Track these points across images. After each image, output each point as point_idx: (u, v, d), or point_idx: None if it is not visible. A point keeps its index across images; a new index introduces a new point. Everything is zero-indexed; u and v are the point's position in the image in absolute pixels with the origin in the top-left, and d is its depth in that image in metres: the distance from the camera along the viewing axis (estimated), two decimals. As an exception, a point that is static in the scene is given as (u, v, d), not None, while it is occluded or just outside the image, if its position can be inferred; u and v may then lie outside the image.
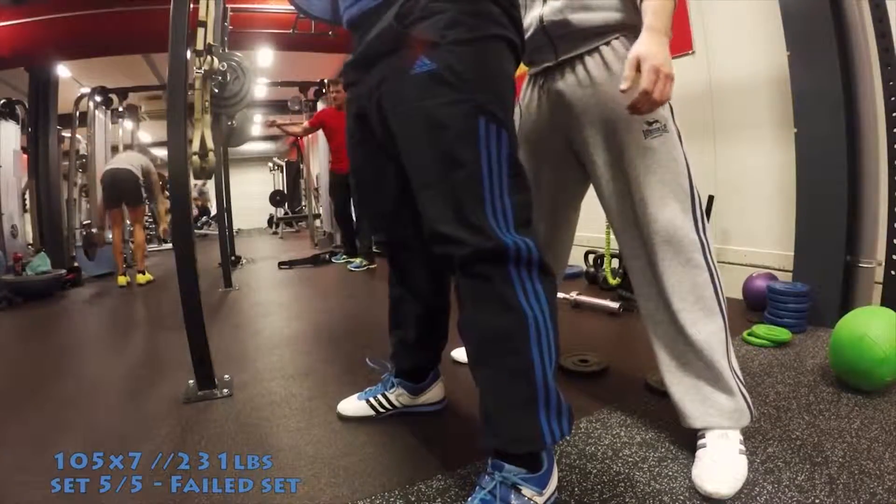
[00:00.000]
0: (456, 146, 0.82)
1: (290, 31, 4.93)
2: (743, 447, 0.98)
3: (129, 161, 4.04)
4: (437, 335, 1.24)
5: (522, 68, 1.24)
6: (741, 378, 1.02)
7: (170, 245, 6.49)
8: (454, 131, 0.82)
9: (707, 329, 0.99)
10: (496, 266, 0.83)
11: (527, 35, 1.10)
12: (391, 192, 1.05)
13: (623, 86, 0.88)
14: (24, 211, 4.76)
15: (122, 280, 3.94)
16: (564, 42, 1.04)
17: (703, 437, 1.00)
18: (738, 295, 2.11)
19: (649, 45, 0.87)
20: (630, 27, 1.00)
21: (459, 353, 1.63)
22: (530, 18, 1.08)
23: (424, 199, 0.87)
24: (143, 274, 4.05)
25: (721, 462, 0.93)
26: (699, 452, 0.98)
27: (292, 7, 1.21)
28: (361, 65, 0.95)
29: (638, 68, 0.87)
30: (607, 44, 1.00)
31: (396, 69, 0.86)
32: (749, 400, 1.00)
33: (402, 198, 1.02)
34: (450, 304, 1.19)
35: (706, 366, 0.99)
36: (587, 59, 1.02)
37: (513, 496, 0.82)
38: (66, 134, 5.40)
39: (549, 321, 0.86)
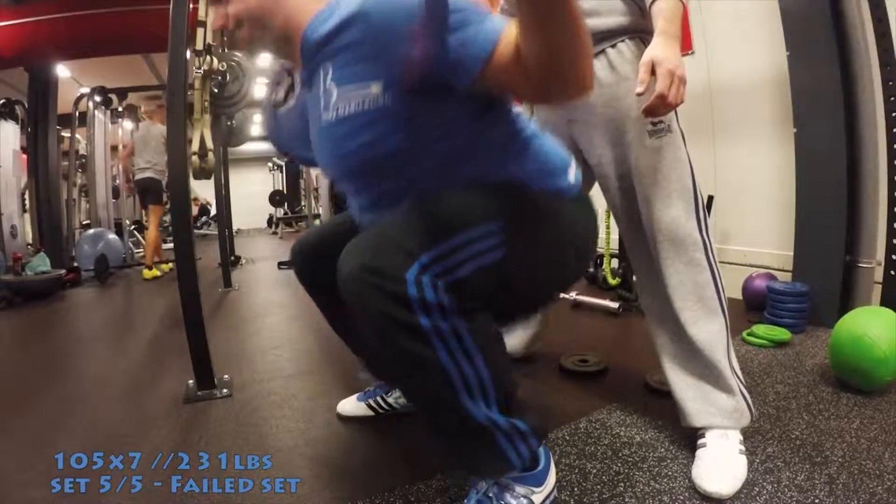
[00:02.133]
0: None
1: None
2: (743, 447, 0.98)
3: (157, 155, 4.21)
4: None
5: None
6: (741, 378, 1.03)
7: (170, 244, 6.48)
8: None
9: (708, 328, 1.00)
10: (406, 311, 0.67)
11: None
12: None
13: (639, 89, 0.88)
14: (24, 211, 4.76)
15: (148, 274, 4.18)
16: None
17: (703, 436, 1.00)
18: (738, 295, 2.11)
19: (663, 49, 0.88)
20: (635, 30, 1.01)
21: None
22: None
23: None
24: (150, 269, 4.19)
25: (721, 462, 0.94)
26: (699, 452, 0.98)
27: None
28: None
29: (652, 72, 0.87)
30: (613, 46, 1.02)
31: None
32: (749, 400, 1.01)
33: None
34: None
35: (706, 365, 1.00)
36: (594, 61, 1.03)
37: (509, 495, 0.82)
38: (66, 134, 5.40)
39: (480, 364, 0.72)
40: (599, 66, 1.02)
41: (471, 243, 0.69)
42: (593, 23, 1.01)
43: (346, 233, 0.89)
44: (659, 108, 0.89)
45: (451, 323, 0.69)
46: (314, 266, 1.06)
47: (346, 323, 1.12)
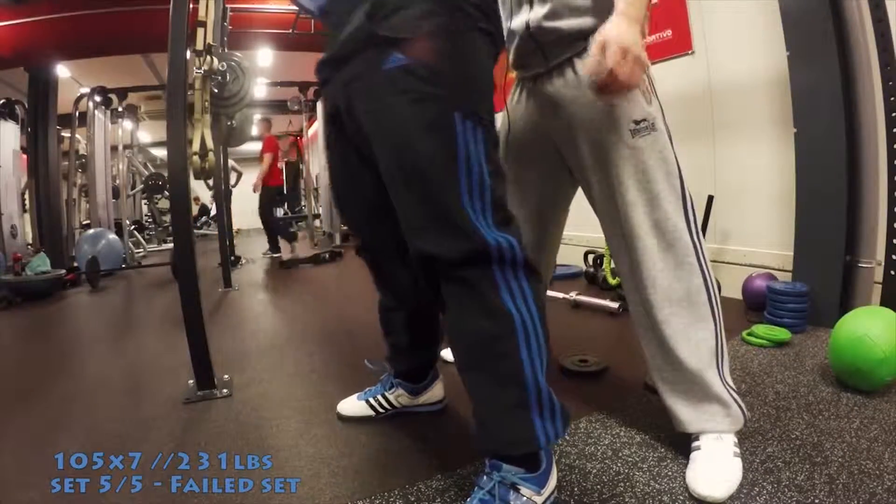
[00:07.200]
0: (432, 144, 0.80)
1: (290, 31, 4.93)
2: (737, 449, 0.97)
3: None
4: (430, 336, 1.23)
5: (512, 73, 1.24)
6: (733, 386, 1.00)
7: (170, 244, 6.48)
8: (430, 128, 0.79)
9: (697, 336, 0.97)
10: (480, 268, 0.81)
11: (515, 41, 1.09)
12: (366, 194, 1.02)
13: (587, 69, 0.86)
14: (24, 211, 4.76)
15: None
16: (553, 47, 1.02)
17: (697, 438, 0.99)
18: (738, 295, 2.11)
19: (618, 27, 0.85)
20: None
21: (449, 353, 1.61)
22: (517, 24, 1.06)
23: (400, 200, 0.85)
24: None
25: (715, 465, 0.93)
26: (693, 455, 0.97)
27: (293, 6, 1.19)
28: (334, 63, 0.92)
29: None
30: None
31: (368, 66, 0.83)
32: (742, 405, 0.99)
33: (378, 201, 0.98)
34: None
35: (694, 380, 0.98)
36: (575, 60, 1.00)
37: (512, 496, 0.82)
38: (66, 134, 5.41)
39: (538, 321, 0.83)
40: (581, 66, 0.99)
41: (467, 150, 0.81)
42: (573, 22, 0.98)
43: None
44: (610, 86, 0.86)
45: (518, 281, 0.82)
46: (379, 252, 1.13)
47: (398, 297, 1.18)
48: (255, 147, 5.56)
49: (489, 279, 0.81)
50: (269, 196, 5.50)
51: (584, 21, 0.98)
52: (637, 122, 0.96)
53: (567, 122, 1.04)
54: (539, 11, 1.01)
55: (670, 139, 0.99)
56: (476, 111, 0.82)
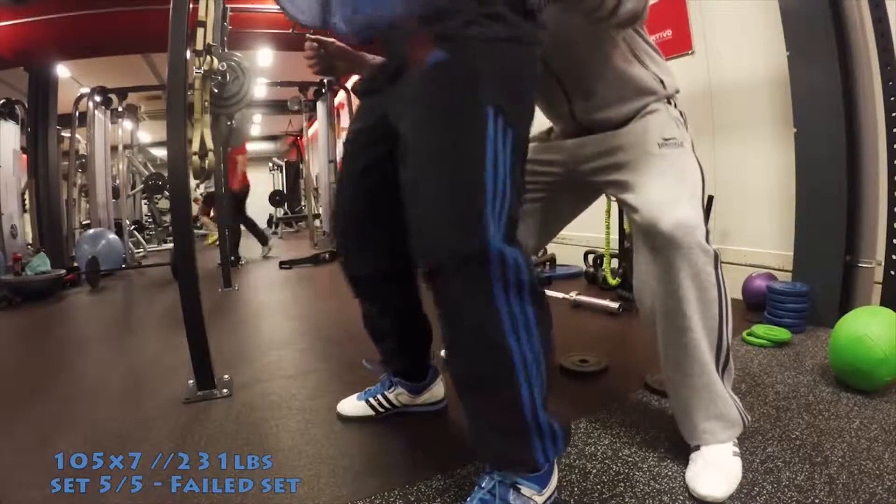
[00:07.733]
0: (462, 138, 0.78)
1: (290, 31, 4.93)
2: (737, 449, 0.97)
3: None
4: (419, 337, 1.23)
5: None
6: (735, 398, 1.00)
7: (170, 244, 6.49)
8: (461, 122, 0.78)
9: (704, 348, 0.95)
10: (479, 282, 0.76)
11: (558, 124, 1.17)
12: (379, 200, 1.02)
13: None
14: (24, 211, 4.75)
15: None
16: (600, 129, 1.08)
17: None
18: (738, 295, 2.11)
19: None
20: (660, 97, 1.05)
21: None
22: (557, 112, 1.13)
23: (420, 193, 0.82)
24: None
25: (715, 465, 0.93)
26: (693, 455, 0.97)
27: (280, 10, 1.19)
28: (388, 76, 0.96)
29: None
30: (642, 117, 1.05)
31: (416, 68, 0.83)
32: (743, 412, 0.99)
33: (381, 209, 1.01)
34: (422, 305, 1.18)
35: (702, 386, 0.96)
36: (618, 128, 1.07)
37: (512, 495, 0.82)
38: (66, 134, 5.40)
39: (538, 349, 0.79)
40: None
41: (496, 152, 0.78)
42: (619, 110, 1.04)
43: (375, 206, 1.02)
44: None
45: (523, 306, 0.78)
46: (362, 252, 1.11)
47: (384, 307, 1.18)
48: (252, 147, 5.53)
49: (488, 300, 0.76)
50: (234, 202, 5.28)
51: (633, 105, 1.04)
52: (666, 139, 1.01)
53: (599, 157, 1.07)
54: (583, 105, 1.07)
55: (699, 163, 1.02)
56: (511, 115, 0.80)
